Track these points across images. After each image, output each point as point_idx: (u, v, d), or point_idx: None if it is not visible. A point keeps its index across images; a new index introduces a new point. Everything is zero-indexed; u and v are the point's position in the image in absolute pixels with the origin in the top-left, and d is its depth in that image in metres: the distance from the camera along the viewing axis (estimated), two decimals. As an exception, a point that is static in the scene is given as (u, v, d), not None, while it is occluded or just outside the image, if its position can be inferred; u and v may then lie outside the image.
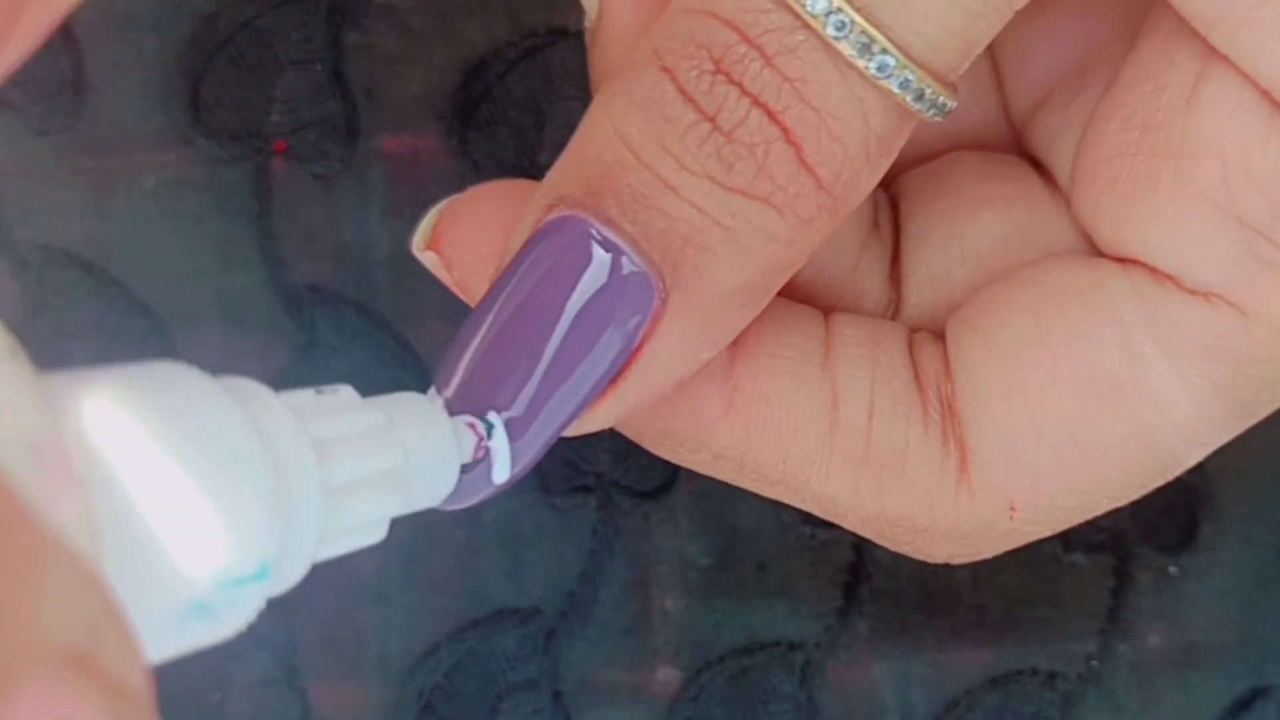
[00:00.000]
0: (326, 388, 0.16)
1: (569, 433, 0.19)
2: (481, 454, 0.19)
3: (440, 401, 0.19)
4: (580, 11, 0.21)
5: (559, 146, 0.19)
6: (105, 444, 0.13)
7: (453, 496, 0.19)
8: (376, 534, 0.17)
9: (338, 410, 0.16)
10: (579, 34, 0.27)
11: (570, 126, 0.19)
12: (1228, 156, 0.19)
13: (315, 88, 0.28)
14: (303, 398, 0.16)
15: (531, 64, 0.28)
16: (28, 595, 0.10)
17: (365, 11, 0.27)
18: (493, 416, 0.19)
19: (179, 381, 0.14)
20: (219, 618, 0.14)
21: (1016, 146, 0.24)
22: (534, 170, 0.28)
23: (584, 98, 0.28)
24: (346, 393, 0.17)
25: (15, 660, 0.10)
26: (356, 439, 0.16)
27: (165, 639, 0.14)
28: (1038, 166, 0.23)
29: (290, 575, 0.15)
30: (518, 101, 0.28)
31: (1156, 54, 0.20)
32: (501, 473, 0.19)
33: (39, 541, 0.10)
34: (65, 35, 0.27)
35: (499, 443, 0.19)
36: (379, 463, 0.16)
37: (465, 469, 0.19)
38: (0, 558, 0.10)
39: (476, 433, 0.19)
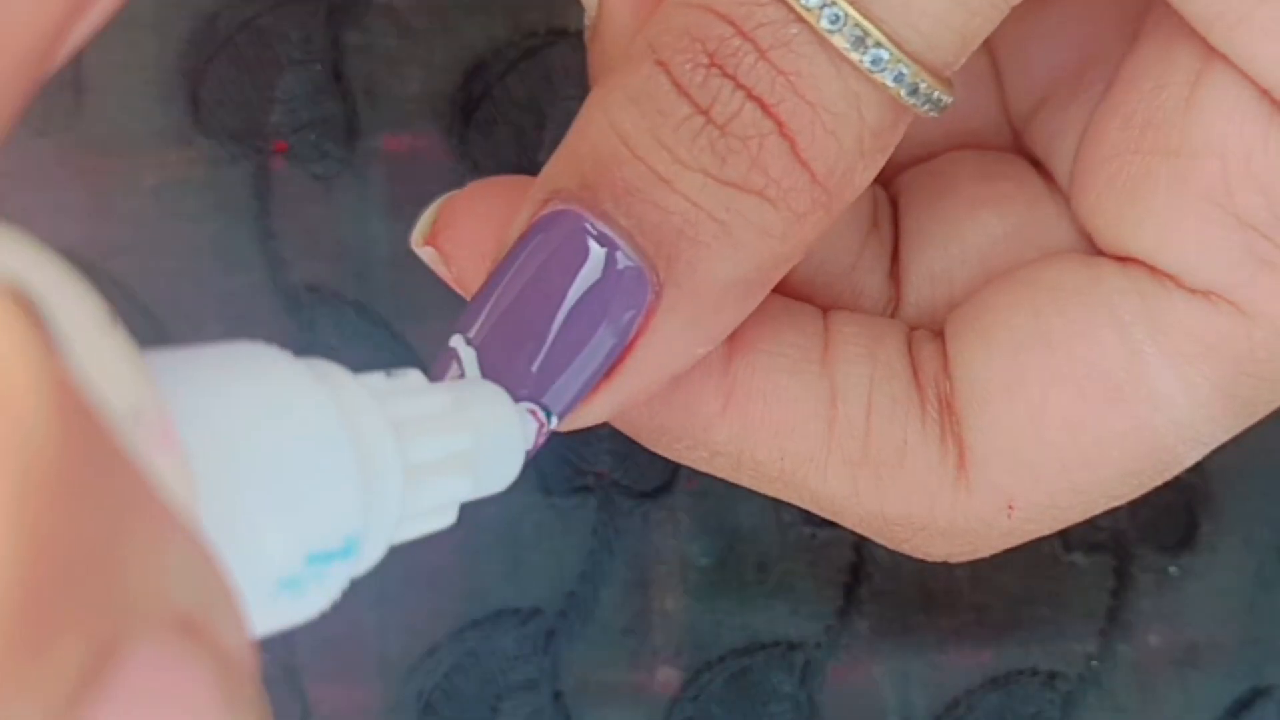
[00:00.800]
0: (396, 371, 0.16)
1: (563, 427, 0.19)
2: (544, 440, 0.19)
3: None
4: (580, 11, 0.21)
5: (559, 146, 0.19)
6: (195, 421, 0.13)
7: None
8: (447, 518, 0.17)
9: (409, 392, 0.16)
10: (579, 34, 0.27)
11: (570, 126, 0.19)
12: (1228, 156, 0.19)
13: (315, 88, 0.28)
14: (375, 379, 0.16)
15: (531, 64, 0.28)
16: (145, 555, 0.10)
17: (365, 11, 0.28)
18: (549, 402, 0.19)
19: (264, 361, 0.14)
20: (307, 594, 0.14)
21: (1016, 146, 0.24)
22: (534, 170, 0.27)
23: (583, 97, 0.28)
24: (415, 376, 0.17)
25: (130, 620, 0.10)
26: (429, 420, 0.16)
27: (257, 616, 0.13)
28: (1037, 166, 0.23)
29: (371, 555, 0.15)
30: (518, 101, 0.28)
31: (1156, 54, 0.20)
32: None
33: (156, 504, 0.10)
34: (65, 35, 0.27)
35: None
36: (451, 444, 0.16)
37: None
38: (120, 516, 0.10)
39: (538, 419, 0.19)
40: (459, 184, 0.21)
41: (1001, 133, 0.24)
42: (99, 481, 0.09)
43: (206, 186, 0.27)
